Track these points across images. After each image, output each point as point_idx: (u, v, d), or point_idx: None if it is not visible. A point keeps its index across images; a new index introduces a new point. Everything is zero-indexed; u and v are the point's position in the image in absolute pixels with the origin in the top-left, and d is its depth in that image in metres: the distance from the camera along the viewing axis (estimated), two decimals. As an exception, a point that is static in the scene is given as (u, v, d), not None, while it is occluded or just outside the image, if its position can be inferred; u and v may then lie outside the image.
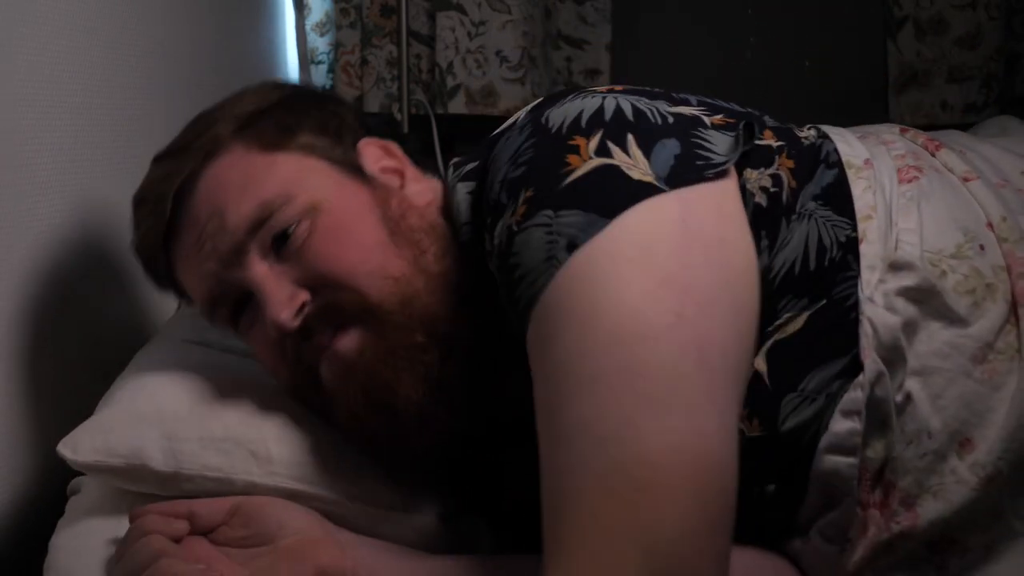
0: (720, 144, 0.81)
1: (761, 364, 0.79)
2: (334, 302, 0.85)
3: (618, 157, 0.77)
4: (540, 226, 0.75)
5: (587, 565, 0.66)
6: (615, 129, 0.79)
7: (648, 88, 0.89)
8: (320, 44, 2.15)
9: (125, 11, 1.25)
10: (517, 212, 0.77)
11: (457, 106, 2.07)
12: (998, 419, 0.78)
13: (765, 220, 0.80)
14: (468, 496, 0.94)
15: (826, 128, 0.92)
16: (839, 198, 0.83)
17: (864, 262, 0.80)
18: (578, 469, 0.68)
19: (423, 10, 2.10)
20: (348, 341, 0.85)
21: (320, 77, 2.15)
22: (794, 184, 0.83)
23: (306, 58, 2.15)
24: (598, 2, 2.11)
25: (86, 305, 1.12)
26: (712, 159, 0.80)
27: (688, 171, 0.78)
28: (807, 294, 0.80)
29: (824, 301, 0.80)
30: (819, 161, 0.86)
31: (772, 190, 0.82)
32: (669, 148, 0.78)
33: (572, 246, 0.73)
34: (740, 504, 0.80)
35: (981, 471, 0.77)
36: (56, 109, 1.09)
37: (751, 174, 0.82)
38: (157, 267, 0.94)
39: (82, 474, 0.92)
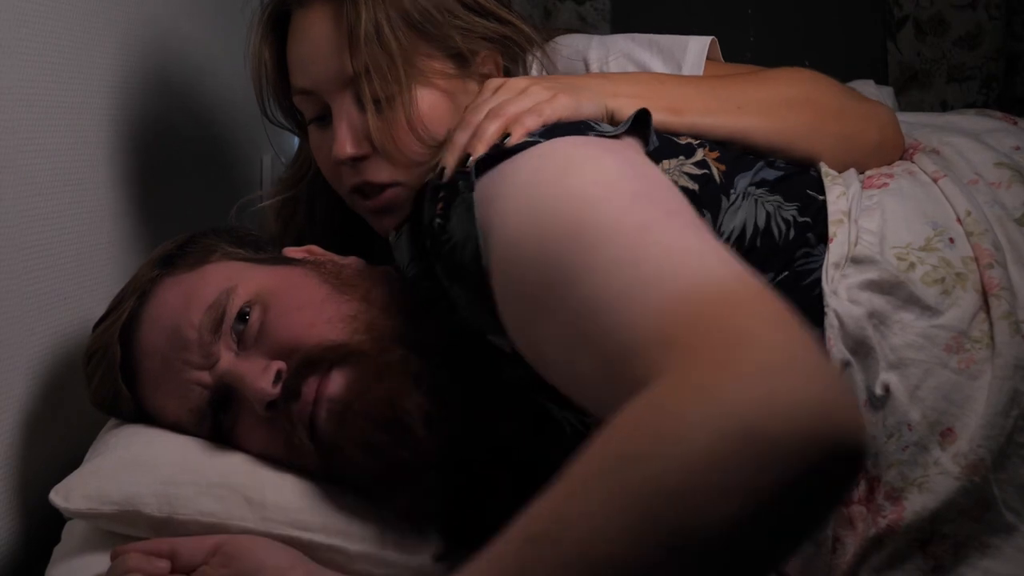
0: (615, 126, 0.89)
1: None
2: (307, 357, 0.88)
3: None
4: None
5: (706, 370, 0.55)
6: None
7: None
8: (320, 44, 2.15)
9: (126, 12, 1.25)
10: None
11: (457, 106, 2.07)
12: (978, 408, 0.79)
13: (704, 199, 0.86)
14: (460, 534, 0.95)
15: None
16: (787, 189, 0.89)
17: (831, 259, 0.84)
18: (628, 319, 0.62)
19: (423, 10, 2.09)
20: (335, 384, 0.87)
21: (320, 77, 2.15)
22: (723, 168, 0.89)
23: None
24: (598, 2, 2.11)
25: (86, 306, 1.12)
26: (601, 127, 0.87)
27: (566, 129, 0.86)
28: (767, 264, 0.84)
29: (786, 272, 0.84)
30: (757, 158, 0.93)
31: (700, 173, 0.87)
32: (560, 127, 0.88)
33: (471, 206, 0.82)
34: None
35: (963, 460, 0.78)
36: (56, 109, 1.09)
37: (668, 163, 0.88)
38: (121, 407, 0.97)
39: None
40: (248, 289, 0.91)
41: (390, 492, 0.88)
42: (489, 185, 0.82)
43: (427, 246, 0.88)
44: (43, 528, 0.98)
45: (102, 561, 0.86)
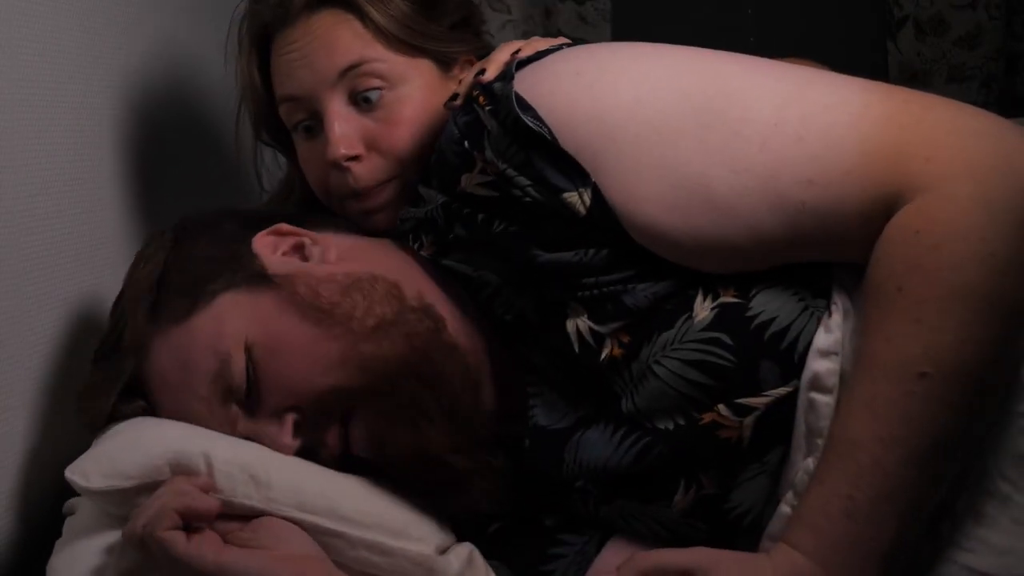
0: None
1: None
2: (316, 410, 0.91)
3: None
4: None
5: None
6: None
7: None
8: (320, 44, 2.15)
9: (126, 10, 1.25)
10: None
11: (457, 105, 2.07)
12: None
13: None
14: (462, 524, 0.97)
15: None
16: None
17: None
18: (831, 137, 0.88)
19: (423, 10, 2.10)
20: (359, 438, 0.92)
21: (320, 77, 2.15)
22: None
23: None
24: (598, 2, 2.11)
25: (86, 306, 1.13)
26: None
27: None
28: None
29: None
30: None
31: None
32: None
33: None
34: (730, 457, 0.87)
35: None
36: (57, 109, 1.09)
37: None
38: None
39: (74, 495, 0.92)
40: (239, 350, 0.91)
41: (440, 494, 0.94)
42: (531, 77, 0.90)
43: (461, 155, 0.92)
44: (44, 523, 0.99)
45: (103, 552, 0.88)
